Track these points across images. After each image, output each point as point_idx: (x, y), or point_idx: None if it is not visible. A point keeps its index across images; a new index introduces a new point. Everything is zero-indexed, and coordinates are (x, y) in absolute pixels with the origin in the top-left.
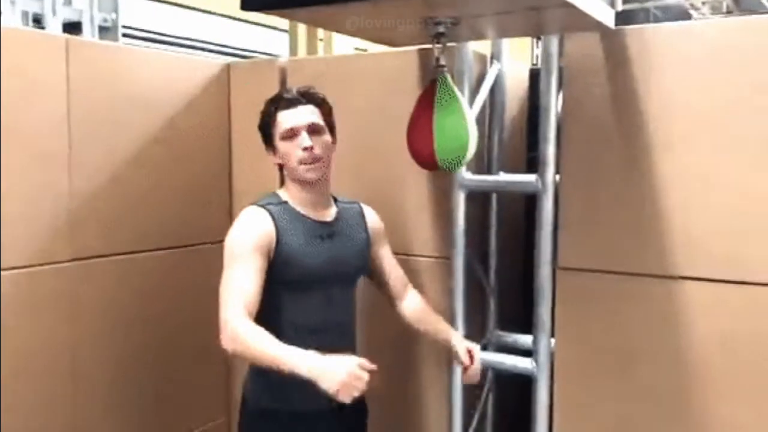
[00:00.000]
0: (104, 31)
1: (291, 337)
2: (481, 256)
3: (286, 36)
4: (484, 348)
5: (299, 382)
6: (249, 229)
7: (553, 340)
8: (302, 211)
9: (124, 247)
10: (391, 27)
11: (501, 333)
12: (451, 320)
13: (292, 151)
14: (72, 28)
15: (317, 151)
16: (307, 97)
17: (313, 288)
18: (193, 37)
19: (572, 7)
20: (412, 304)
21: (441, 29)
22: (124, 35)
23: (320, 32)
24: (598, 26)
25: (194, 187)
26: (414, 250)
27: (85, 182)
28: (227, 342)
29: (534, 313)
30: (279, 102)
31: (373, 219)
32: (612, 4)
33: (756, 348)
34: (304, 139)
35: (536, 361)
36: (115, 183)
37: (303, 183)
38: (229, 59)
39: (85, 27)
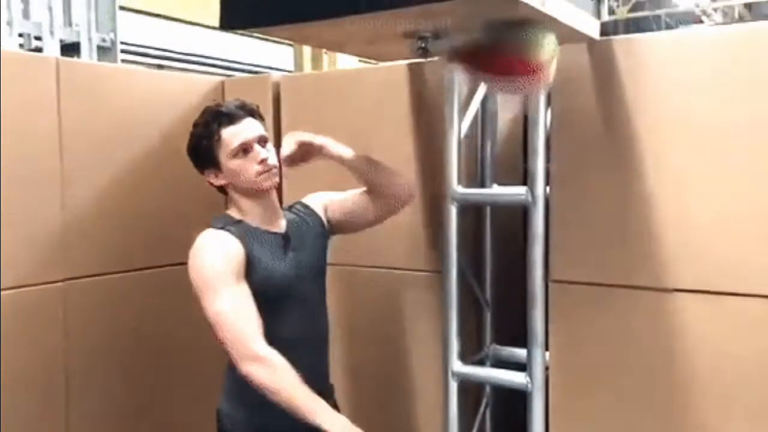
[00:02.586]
0: (103, 51)
1: None
2: (476, 269)
3: (291, 50)
4: (481, 363)
5: (275, 407)
6: (220, 254)
7: (548, 354)
8: (260, 227)
9: (118, 266)
10: (373, 42)
11: (498, 347)
12: (445, 334)
13: (247, 166)
14: (70, 49)
15: (271, 160)
16: (245, 109)
17: (289, 300)
18: (197, 53)
19: (553, 19)
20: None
21: (423, 44)
22: (125, 52)
23: None
24: (583, 38)
25: (189, 205)
26: (406, 264)
27: (78, 202)
28: (263, 373)
29: (527, 327)
30: (220, 119)
31: (316, 201)
32: (597, 16)
33: (751, 360)
34: (260, 151)
35: (530, 375)
36: (109, 202)
37: (259, 194)
38: (237, 74)
39: (84, 47)
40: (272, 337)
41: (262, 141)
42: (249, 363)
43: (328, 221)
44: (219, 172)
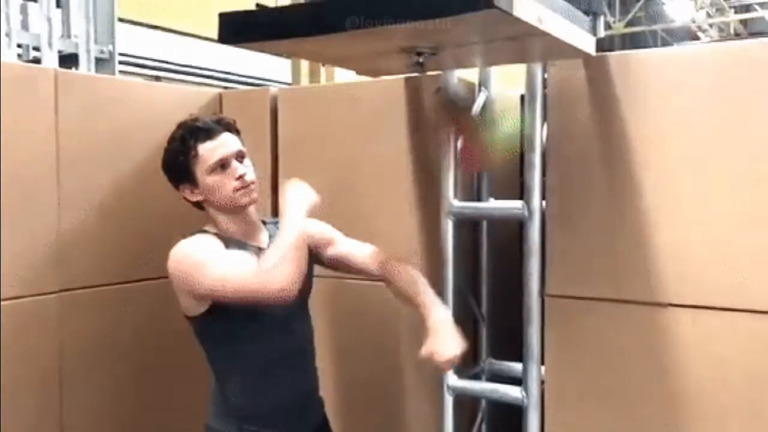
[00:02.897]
0: (101, 62)
1: (255, 368)
2: (472, 283)
3: (289, 63)
4: (477, 377)
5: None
6: (199, 243)
7: (543, 368)
8: (240, 240)
9: (114, 277)
10: (371, 57)
11: (494, 361)
12: None
13: (225, 182)
14: (68, 60)
15: (249, 176)
16: (222, 124)
17: (267, 315)
18: (194, 65)
19: (549, 36)
20: (389, 279)
21: (420, 59)
22: (123, 63)
23: None
24: (579, 53)
25: (186, 218)
26: None
27: (75, 213)
28: (277, 280)
29: (523, 342)
30: (197, 134)
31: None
32: (593, 32)
33: (748, 375)
34: (238, 167)
35: (526, 390)
36: (105, 214)
37: (237, 210)
38: (234, 87)
39: (82, 59)
40: (250, 356)
41: (240, 156)
42: (264, 284)
43: (315, 249)
44: (195, 188)
